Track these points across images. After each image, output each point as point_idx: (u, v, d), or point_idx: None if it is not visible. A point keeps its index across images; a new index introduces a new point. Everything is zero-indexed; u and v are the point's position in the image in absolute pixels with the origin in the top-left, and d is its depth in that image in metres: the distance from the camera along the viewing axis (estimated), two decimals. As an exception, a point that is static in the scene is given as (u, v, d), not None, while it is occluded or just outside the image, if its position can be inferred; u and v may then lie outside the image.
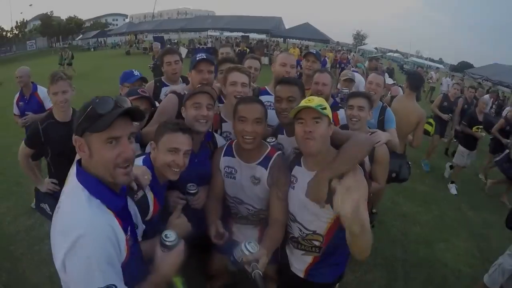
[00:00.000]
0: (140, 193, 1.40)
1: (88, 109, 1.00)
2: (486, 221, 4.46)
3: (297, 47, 20.32)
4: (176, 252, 1.22)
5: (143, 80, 2.49)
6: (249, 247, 1.26)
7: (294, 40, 24.95)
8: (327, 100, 2.62)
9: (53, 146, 2.46)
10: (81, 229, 0.92)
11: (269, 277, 1.94)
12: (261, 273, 1.21)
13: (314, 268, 1.70)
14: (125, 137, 1.04)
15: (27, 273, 2.96)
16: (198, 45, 23.67)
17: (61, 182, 2.22)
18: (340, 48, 20.30)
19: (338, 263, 1.74)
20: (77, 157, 1.10)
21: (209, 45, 23.66)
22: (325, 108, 1.46)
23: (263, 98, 2.43)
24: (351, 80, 3.59)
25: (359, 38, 69.85)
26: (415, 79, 3.69)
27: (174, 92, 2.26)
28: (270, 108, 2.05)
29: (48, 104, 3.67)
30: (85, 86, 12.19)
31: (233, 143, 1.87)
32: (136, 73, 2.43)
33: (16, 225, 3.67)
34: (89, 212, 0.96)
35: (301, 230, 1.64)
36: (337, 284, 2.04)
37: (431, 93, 14.26)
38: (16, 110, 3.84)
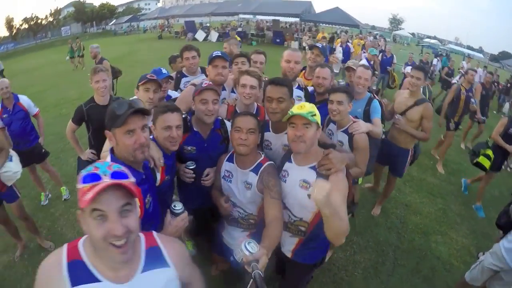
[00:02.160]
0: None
1: (111, 110, 1.45)
2: (492, 221, 4.29)
3: (327, 33, 19.87)
4: (181, 218, 1.55)
5: (170, 77, 2.87)
6: (249, 247, 1.28)
7: (324, 25, 24.37)
8: (326, 92, 2.88)
9: (93, 123, 3.06)
10: None
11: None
12: (261, 273, 1.23)
13: (299, 249, 2.00)
14: (138, 129, 1.46)
15: (64, 230, 3.62)
16: (229, 30, 23.80)
17: (99, 152, 2.92)
18: (364, 35, 18.92)
19: (319, 247, 2.04)
20: (110, 146, 1.58)
21: (240, 29, 23.71)
22: (314, 115, 1.71)
23: None
24: (353, 69, 3.66)
25: (395, 22, 65.93)
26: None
27: (193, 84, 2.70)
28: None
29: (33, 111, 3.87)
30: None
31: (234, 152, 2.07)
32: (164, 71, 2.75)
33: (56, 191, 4.31)
34: None
35: (289, 216, 1.92)
36: (326, 260, 2.34)
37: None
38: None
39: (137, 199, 1.06)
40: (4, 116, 3.64)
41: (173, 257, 1.16)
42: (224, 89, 2.84)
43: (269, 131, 2.25)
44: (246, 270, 1.26)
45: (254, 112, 2.40)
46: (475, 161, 4.37)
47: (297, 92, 2.89)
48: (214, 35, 22.69)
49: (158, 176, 1.88)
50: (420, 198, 4.74)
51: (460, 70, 11.13)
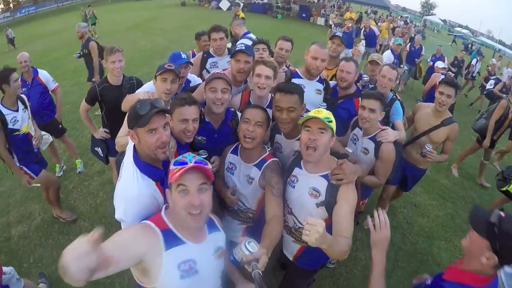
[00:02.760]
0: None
1: (134, 111, 1.50)
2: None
3: (355, 12, 18.99)
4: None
5: (189, 63, 2.73)
6: (249, 247, 1.27)
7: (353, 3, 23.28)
8: (350, 87, 2.84)
9: (106, 103, 3.11)
10: (131, 193, 1.48)
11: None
12: (261, 273, 1.23)
13: (300, 256, 2.01)
14: (160, 127, 1.51)
15: (77, 203, 3.79)
16: (255, 1, 22.85)
17: (112, 131, 3.12)
18: (394, 17, 17.75)
19: (321, 256, 1.97)
20: (132, 144, 1.64)
21: (266, 0, 22.91)
22: (331, 121, 1.66)
23: (295, 81, 2.68)
24: (377, 63, 3.50)
25: (427, 7, 62.09)
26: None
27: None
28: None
29: (51, 86, 3.93)
30: (140, 37, 12.81)
31: (240, 144, 2.02)
32: (183, 56, 2.66)
33: (71, 163, 4.46)
34: (137, 187, 1.50)
35: (295, 222, 1.90)
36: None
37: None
38: None
39: (211, 183, 1.38)
40: (23, 89, 3.66)
41: (219, 224, 1.60)
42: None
43: (280, 134, 2.19)
44: (246, 269, 1.28)
45: (267, 104, 2.36)
46: (504, 188, 3.77)
47: (316, 86, 2.81)
48: (224, 4, 21.67)
49: None
50: (430, 199, 4.68)
51: (489, 68, 10.38)
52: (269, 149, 2.05)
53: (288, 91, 1.94)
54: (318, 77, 2.84)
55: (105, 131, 3.20)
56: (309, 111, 1.77)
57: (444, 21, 34.54)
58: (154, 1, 30.93)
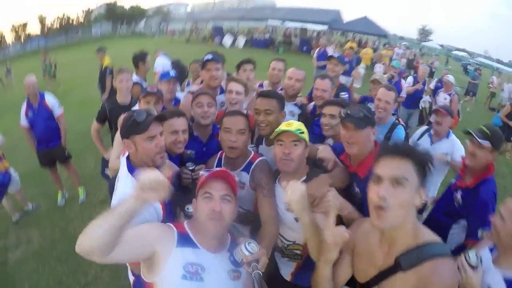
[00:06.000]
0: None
1: (131, 120, 1.54)
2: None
3: (354, 41, 19.56)
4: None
5: (176, 78, 2.96)
6: (249, 248, 1.28)
7: (351, 33, 24.14)
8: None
9: (115, 123, 3.18)
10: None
11: None
12: (261, 273, 1.24)
13: (298, 273, 1.92)
14: (158, 134, 1.58)
15: (76, 232, 3.50)
16: (256, 37, 23.98)
17: None
18: (392, 45, 17.67)
19: None
20: (122, 154, 1.68)
21: (267, 35, 23.88)
22: (303, 133, 1.67)
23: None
24: (378, 82, 3.50)
25: (424, 33, 63.70)
26: None
27: (191, 92, 2.76)
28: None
29: (57, 112, 3.99)
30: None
31: (223, 154, 2.05)
32: (171, 73, 2.91)
33: (73, 192, 4.51)
34: (132, 186, 1.53)
35: (282, 241, 1.85)
36: None
37: (490, 99, 12.86)
38: (24, 121, 3.86)
39: (235, 197, 1.45)
40: (29, 113, 3.76)
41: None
42: (222, 91, 2.90)
43: (262, 144, 2.24)
44: (247, 270, 1.30)
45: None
46: None
47: (292, 108, 2.86)
48: (241, 40, 22.81)
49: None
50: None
51: (490, 85, 10.57)
52: (252, 146, 2.08)
53: (266, 95, 2.10)
54: (295, 100, 2.94)
55: None
56: None
57: (442, 45, 35.21)
58: (161, 38, 32.49)
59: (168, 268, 1.28)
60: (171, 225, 1.41)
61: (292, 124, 1.68)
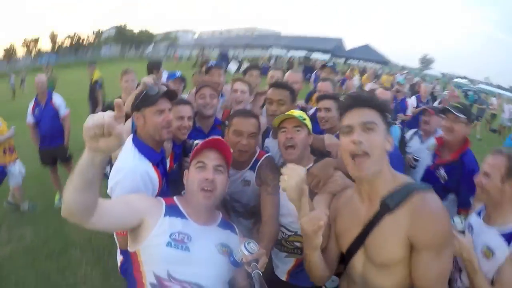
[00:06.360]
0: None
1: (142, 94, 1.66)
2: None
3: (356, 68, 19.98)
4: None
5: (182, 79, 3.17)
6: (249, 248, 1.27)
7: (353, 61, 24.74)
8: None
9: None
10: (127, 165, 1.55)
11: None
12: (261, 273, 1.23)
13: (295, 271, 1.85)
14: (167, 110, 1.66)
15: (71, 232, 3.66)
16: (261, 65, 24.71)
17: None
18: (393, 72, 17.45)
19: None
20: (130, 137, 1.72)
21: (271, 64, 24.54)
22: (305, 119, 1.72)
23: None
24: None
25: (426, 62, 65.09)
26: None
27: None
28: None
29: (63, 112, 4.13)
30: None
31: None
32: (177, 74, 3.14)
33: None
34: (133, 161, 1.58)
35: (283, 233, 1.80)
36: None
37: (491, 120, 13.01)
38: (30, 119, 4.00)
39: (227, 169, 1.47)
40: (36, 110, 3.86)
41: (239, 233, 1.54)
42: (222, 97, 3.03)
43: (269, 138, 2.23)
44: (246, 270, 1.28)
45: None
46: None
47: None
48: (246, 66, 23.38)
49: (168, 163, 1.99)
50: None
51: (490, 107, 10.66)
52: (258, 148, 2.02)
53: (279, 86, 2.16)
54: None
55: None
56: None
57: (443, 74, 35.90)
58: (168, 63, 33.50)
59: (153, 235, 1.26)
60: (160, 198, 1.42)
61: (294, 112, 1.74)
